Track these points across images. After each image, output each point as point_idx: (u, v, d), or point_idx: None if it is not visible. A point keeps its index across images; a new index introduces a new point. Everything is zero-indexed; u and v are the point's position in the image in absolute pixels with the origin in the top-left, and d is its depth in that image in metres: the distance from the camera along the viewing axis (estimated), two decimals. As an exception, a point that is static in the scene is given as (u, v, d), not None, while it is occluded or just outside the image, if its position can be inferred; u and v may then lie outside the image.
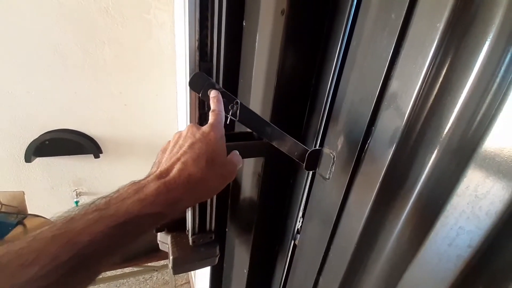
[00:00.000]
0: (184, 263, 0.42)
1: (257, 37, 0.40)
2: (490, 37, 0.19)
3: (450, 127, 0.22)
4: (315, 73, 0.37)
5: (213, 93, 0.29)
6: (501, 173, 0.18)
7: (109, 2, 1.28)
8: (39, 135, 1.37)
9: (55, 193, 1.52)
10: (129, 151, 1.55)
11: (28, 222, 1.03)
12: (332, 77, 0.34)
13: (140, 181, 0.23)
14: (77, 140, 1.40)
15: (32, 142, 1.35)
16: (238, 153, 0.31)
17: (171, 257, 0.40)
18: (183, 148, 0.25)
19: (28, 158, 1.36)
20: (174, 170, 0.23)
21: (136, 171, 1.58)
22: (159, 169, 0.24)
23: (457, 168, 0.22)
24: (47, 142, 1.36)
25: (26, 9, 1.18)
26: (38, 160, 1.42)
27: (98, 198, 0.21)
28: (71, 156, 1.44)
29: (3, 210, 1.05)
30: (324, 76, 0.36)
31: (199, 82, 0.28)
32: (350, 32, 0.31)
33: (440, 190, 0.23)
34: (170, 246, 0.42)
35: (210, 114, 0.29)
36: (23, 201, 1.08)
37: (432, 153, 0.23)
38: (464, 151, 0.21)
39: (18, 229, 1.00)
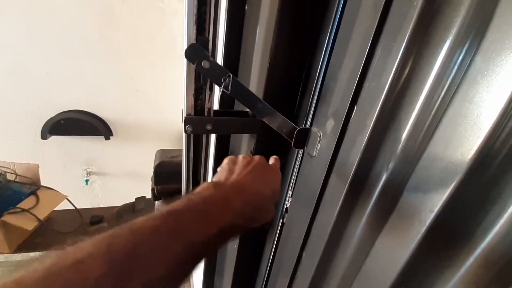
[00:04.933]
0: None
1: (256, 21, 0.42)
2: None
3: (424, 98, 0.23)
4: (308, 55, 0.39)
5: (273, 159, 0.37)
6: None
7: (126, -10, 1.32)
8: (55, 114, 1.44)
9: (68, 171, 1.61)
10: (137, 134, 1.61)
11: (41, 193, 1.10)
12: (323, 58, 0.35)
13: (222, 185, 0.26)
14: (90, 121, 1.47)
15: (48, 120, 1.43)
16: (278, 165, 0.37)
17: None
18: (251, 165, 0.30)
19: (44, 135, 1.44)
20: (249, 187, 0.27)
21: (143, 153, 1.63)
22: (236, 179, 0.28)
23: (425, 136, 0.23)
24: (62, 121, 1.43)
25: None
26: (53, 138, 1.50)
27: (190, 194, 0.23)
28: (83, 136, 1.51)
29: (17, 180, 1.12)
30: (316, 58, 0.37)
31: (195, 54, 0.30)
32: (341, 16, 0.32)
33: (410, 160, 0.25)
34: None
35: (273, 158, 0.37)
36: (37, 173, 1.15)
37: (407, 123, 0.25)
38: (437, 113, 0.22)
39: (31, 199, 1.07)
